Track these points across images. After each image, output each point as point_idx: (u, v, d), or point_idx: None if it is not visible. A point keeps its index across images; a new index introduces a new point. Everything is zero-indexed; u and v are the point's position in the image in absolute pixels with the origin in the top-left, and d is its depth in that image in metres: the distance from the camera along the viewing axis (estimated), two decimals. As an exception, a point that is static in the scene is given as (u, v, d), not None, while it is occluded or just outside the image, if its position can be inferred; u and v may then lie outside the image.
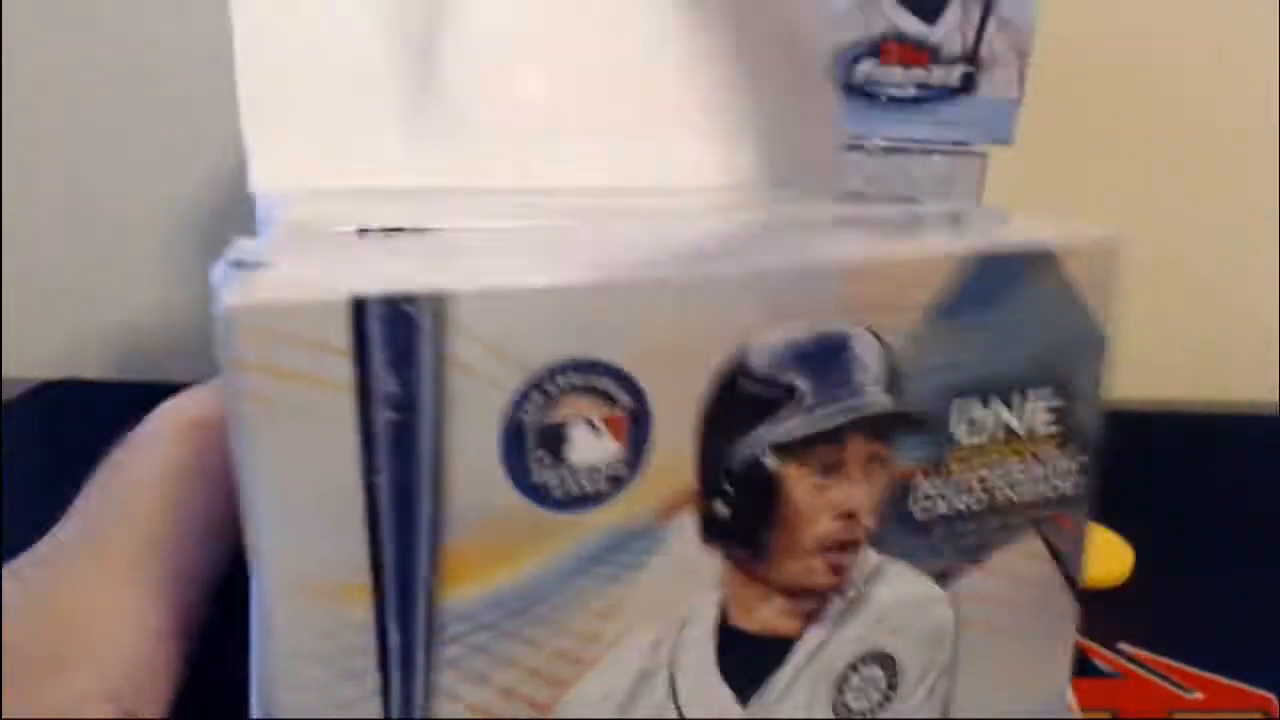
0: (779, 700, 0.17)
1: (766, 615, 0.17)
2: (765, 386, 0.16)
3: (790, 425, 0.16)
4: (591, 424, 0.14)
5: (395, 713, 0.14)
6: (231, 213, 0.56)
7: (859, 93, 0.40)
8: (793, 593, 0.17)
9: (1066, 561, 0.19)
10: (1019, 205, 0.58)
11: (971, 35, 0.39)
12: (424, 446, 0.14)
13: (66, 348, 0.60)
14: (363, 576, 0.14)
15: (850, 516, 0.17)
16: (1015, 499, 0.18)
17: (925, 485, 0.17)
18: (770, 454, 0.16)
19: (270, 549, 0.13)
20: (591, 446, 0.14)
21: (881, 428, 0.16)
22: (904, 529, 0.17)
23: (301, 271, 0.14)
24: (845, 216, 0.20)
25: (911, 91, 0.40)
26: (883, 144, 0.40)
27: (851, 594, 0.17)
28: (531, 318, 0.14)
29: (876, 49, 0.39)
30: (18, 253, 0.59)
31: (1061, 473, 0.18)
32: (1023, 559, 0.18)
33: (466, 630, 0.14)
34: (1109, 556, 0.39)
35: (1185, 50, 0.54)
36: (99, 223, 0.58)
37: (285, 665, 0.14)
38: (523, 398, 0.14)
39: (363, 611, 0.14)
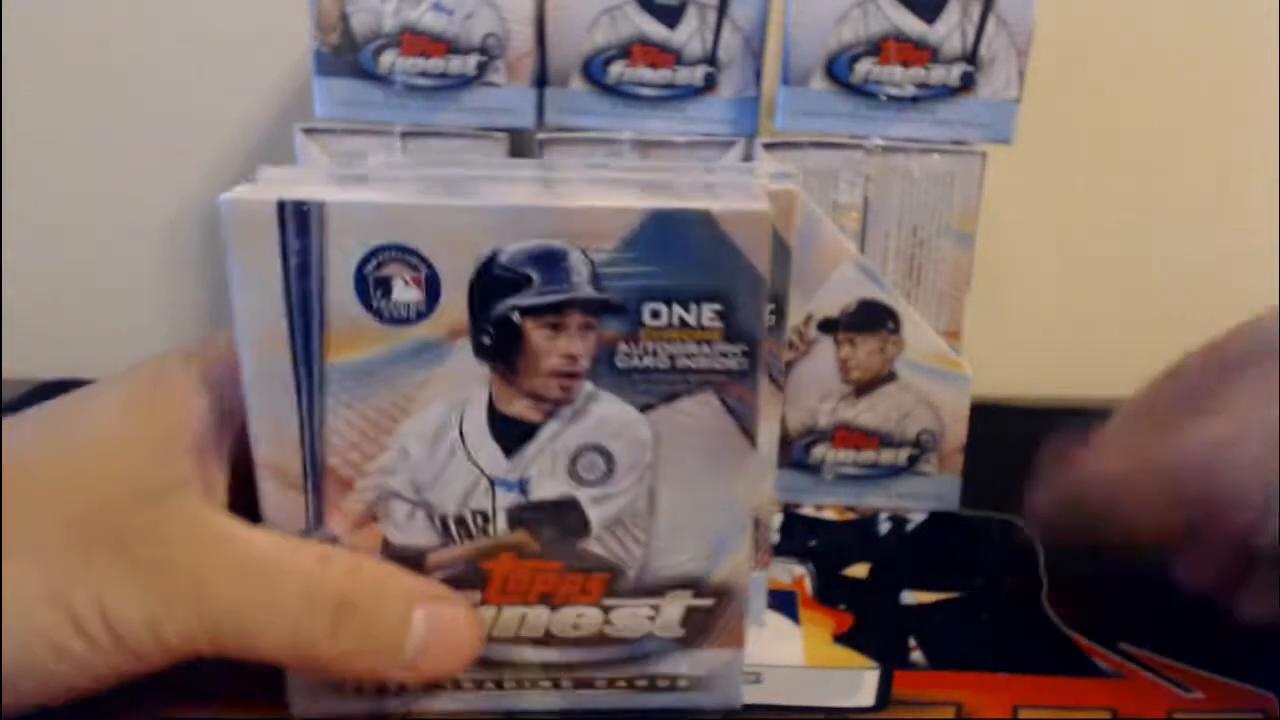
0: (531, 461, 0.28)
1: (518, 407, 0.27)
2: (510, 273, 0.26)
3: (527, 297, 0.26)
4: (404, 279, 0.26)
5: (303, 412, 0.27)
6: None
7: (859, 93, 0.40)
8: (535, 397, 0.27)
9: (740, 417, 0.27)
10: (1019, 205, 0.58)
11: (971, 35, 0.39)
12: (314, 277, 0.25)
13: (66, 348, 0.60)
14: (285, 338, 0.26)
15: (572, 358, 0.26)
16: (692, 365, 0.27)
17: (624, 348, 0.26)
18: (516, 313, 0.26)
19: (241, 323, 0.26)
20: (404, 291, 0.26)
21: (590, 307, 0.26)
22: (611, 373, 0.27)
23: (274, 186, 0.26)
24: (605, 177, 0.29)
25: (911, 91, 0.40)
26: (883, 144, 0.40)
27: (577, 406, 0.27)
28: (369, 219, 0.25)
29: (876, 49, 0.39)
30: (18, 252, 0.59)
31: (726, 354, 0.27)
32: (703, 407, 0.27)
33: (340, 379, 0.26)
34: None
35: (1185, 49, 0.54)
36: (99, 224, 0.58)
37: (250, 379, 0.26)
38: (364, 260, 0.25)
39: (286, 355, 0.26)
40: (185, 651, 0.25)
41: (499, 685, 0.30)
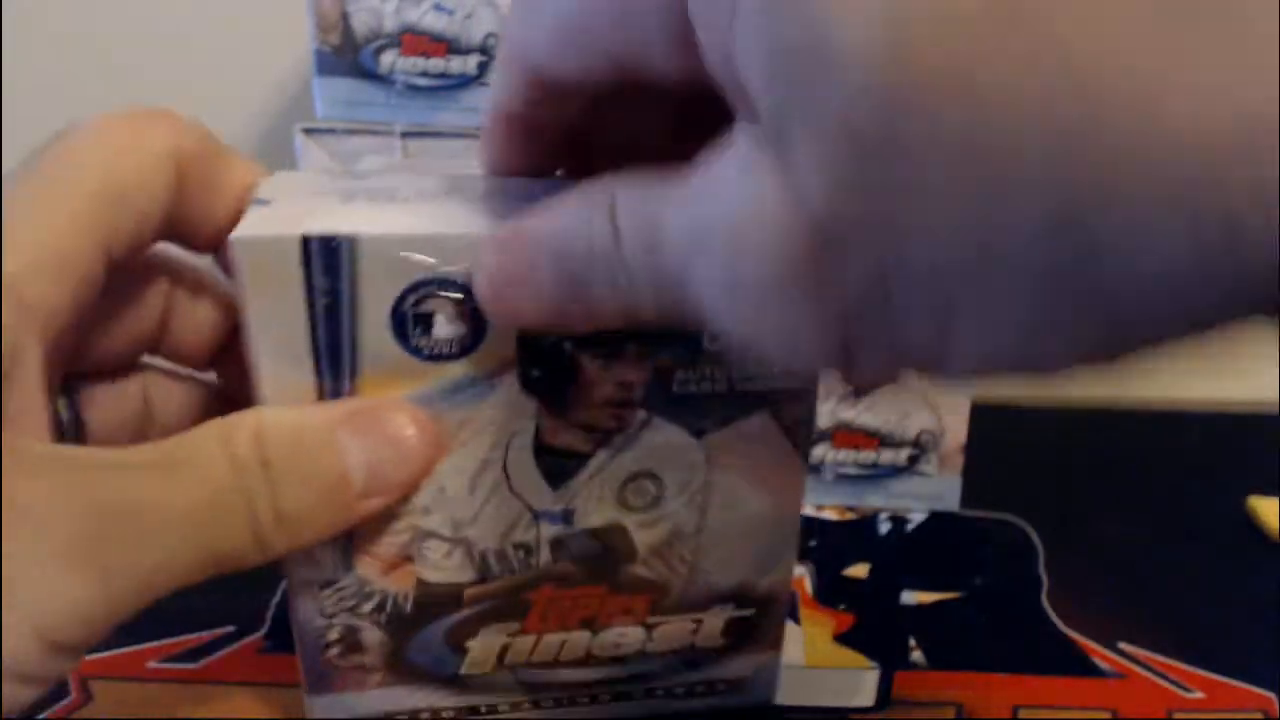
0: (578, 492, 0.26)
1: (568, 439, 0.25)
2: None
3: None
4: (447, 314, 0.23)
5: None
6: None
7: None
8: (586, 428, 0.25)
9: (795, 435, 0.26)
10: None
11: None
12: (345, 318, 0.22)
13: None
14: (312, 384, 0.23)
15: (627, 387, 0.25)
16: (751, 388, 0.25)
17: (681, 374, 0.25)
18: (568, 343, 0.24)
19: (261, 369, 0.23)
20: (447, 326, 0.23)
21: (648, 337, 0.24)
22: (666, 399, 0.25)
23: (288, 211, 0.23)
24: None
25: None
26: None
27: (629, 433, 0.25)
28: (408, 253, 0.22)
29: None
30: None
31: (786, 375, 0.25)
32: (758, 428, 0.26)
33: None
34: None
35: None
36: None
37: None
38: (402, 297, 0.22)
39: (313, 401, 0.23)
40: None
41: (536, 705, 0.29)
